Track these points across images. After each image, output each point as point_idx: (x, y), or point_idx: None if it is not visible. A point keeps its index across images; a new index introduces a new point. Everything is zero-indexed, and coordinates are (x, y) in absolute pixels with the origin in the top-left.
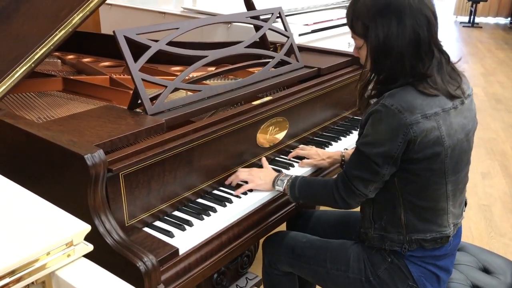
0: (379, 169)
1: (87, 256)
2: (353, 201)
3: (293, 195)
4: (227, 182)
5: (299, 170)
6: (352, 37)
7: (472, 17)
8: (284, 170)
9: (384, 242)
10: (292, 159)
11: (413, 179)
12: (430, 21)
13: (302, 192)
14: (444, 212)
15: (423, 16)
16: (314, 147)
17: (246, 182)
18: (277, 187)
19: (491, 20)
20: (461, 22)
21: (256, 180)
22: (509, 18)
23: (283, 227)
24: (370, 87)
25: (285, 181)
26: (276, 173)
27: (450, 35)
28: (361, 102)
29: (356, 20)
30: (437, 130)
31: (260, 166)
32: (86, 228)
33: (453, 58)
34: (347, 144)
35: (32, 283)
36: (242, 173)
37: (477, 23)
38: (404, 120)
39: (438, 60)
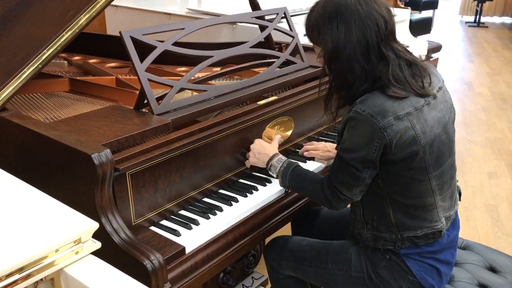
0: (359, 173)
1: (95, 254)
2: (338, 205)
3: (284, 184)
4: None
5: (311, 166)
6: (313, 46)
7: (477, 16)
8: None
9: (377, 241)
10: (294, 161)
11: (396, 179)
12: (379, 26)
13: (292, 185)
14: (433, 207)
15: (372, 21)
16: (323, 142)
17: None
18: (270, 172)
19: (497, 19)
20: (466, 22)
21: (252, 157)
22: None
23: (285, 229)
24: (335, 97)
25: (278, 167)
26: (272, 154)
27: (455, 35)
28: (328, 112)
29: (312, 29)
30: (411, 130)
31: None
32: (94, 225)
33: (459, 58)
34: None
35: (41, 280)
36: (251, 146)
37: (483, 23)
38: (377, 124)
39: (397, 63)
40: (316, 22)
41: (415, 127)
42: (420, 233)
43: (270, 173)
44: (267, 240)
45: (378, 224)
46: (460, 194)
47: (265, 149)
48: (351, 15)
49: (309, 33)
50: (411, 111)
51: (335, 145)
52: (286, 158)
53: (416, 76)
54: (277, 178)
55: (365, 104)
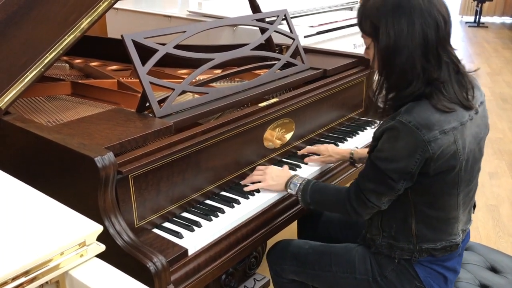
0: (394, 184)
1: (98, 257)
2: (364, 213)
3: (305, 200)
4: (243, 182)
5: (306, 169)
6: (362, 36)
7: (477, 16)
8: (291, 171)
9: (393, 250)
10: (296, 162)
11: (427, 191)
12: (438, 24)
13: (313, 199)
14: (455, 221)
15: (432, 18)
16: (325, 145)
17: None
18: (289, 190)
19: (497, 19)
20: (466, 22)
21: (269, 180)
22: None
23: (288, 231)
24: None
25: (298, 184)
26: (290, 175)
27: (455, 35)
28: (372, 107)
29: (366, 19)
30: (453, 145)
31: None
32: (99, 228)
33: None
34: (352, 145)
35: (46, 282)
36: (257, 172)
37: (483, 23)
38: (422, 137)
39: (447, 67)
40: (372, 13)
41: (458, 143)
42: (439, 245)
43: (289, 191)
44: (270, 242)
45: (397, 233)
46: (474, 206)
47: (283, 172)
48: (414, 10)
49: (361, 22)
50: (456, 126)
51: (337, 148)
52: (306, 178)
53: (461, 86)
54: (296, 195)
55: (411, 114)
